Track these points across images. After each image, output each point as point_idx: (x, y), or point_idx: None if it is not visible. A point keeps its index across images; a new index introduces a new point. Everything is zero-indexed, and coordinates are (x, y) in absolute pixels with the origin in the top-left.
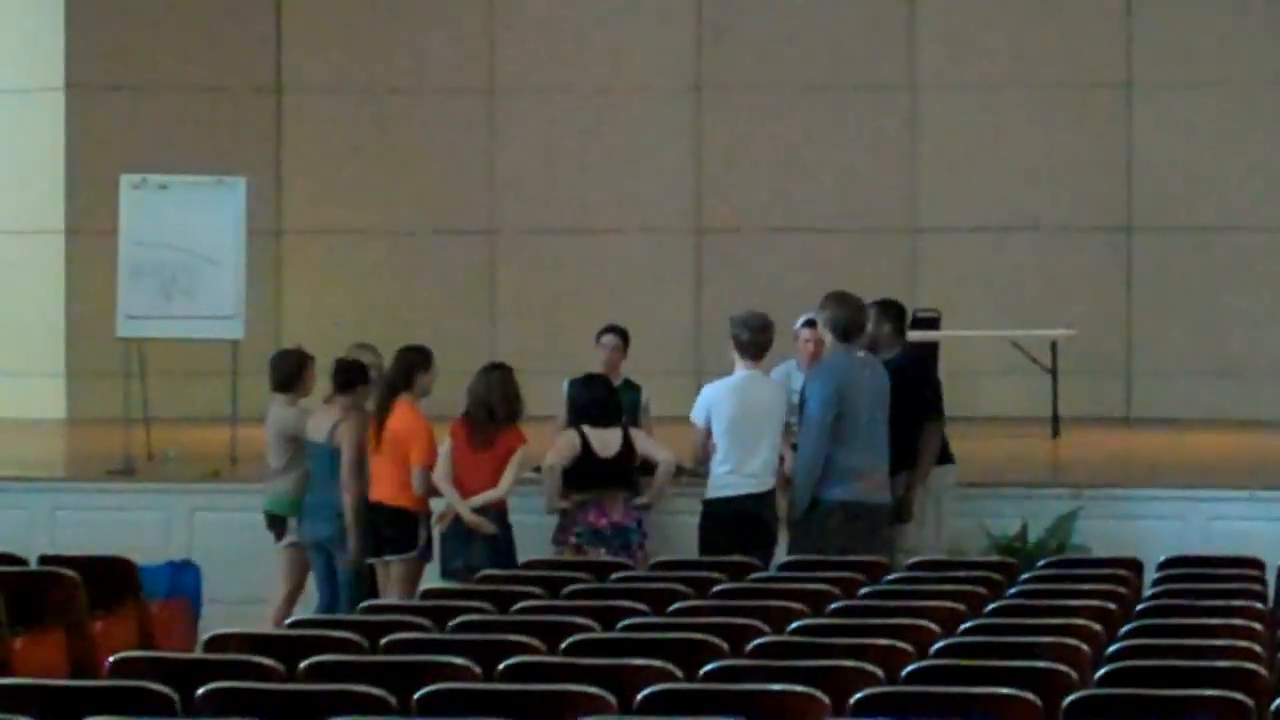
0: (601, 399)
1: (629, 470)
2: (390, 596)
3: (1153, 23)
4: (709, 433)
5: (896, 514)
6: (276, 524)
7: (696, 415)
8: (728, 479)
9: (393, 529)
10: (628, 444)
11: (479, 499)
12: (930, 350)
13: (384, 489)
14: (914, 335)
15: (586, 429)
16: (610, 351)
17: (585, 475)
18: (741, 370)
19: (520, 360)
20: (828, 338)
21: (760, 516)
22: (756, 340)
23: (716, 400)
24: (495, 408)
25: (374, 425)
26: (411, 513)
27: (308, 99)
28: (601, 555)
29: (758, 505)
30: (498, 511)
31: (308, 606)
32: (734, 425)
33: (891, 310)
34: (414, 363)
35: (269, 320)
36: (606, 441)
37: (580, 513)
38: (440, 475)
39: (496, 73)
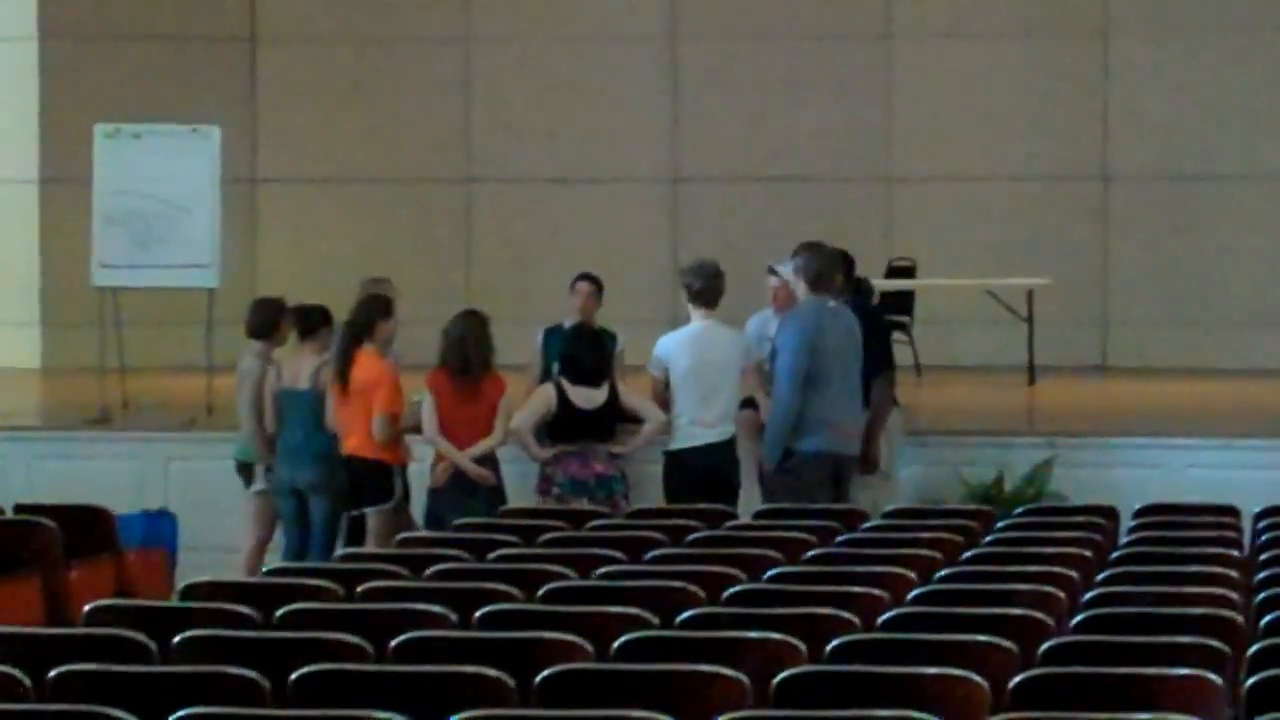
0: (587, 354)
1: (611, 423)
2: (370, 548)
3: None
4: (666, 384)
5: (862, 464)
6: (245, 471)
7: (653, 366)
8: (687, 429)
9: (368, 481)
10: (613, 397)
11: (478, 449)
12: (882, 301)
13: (355, 440)
14: (888, 284)
15: (565, 382)
16: (584, 299)
17: (566, 427)
18: (697, 320)
19: (496, 309)
20: (800, 287)
21: (720, 466)
22: (708, 287)
23: (672, 351)
24: (471, 356)
25: (337, 374)
26: (386, 464)
27: (283, 48)
28: (584, 505)
29: (717, 455)
30: (492, 463)
31: (276, 553)
32: (690, 375)
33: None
34: (375, 309)
35: (244, 269)
36: (589, 394)
37: (562, 464)
38: (430, 430)
39: (473, 21)
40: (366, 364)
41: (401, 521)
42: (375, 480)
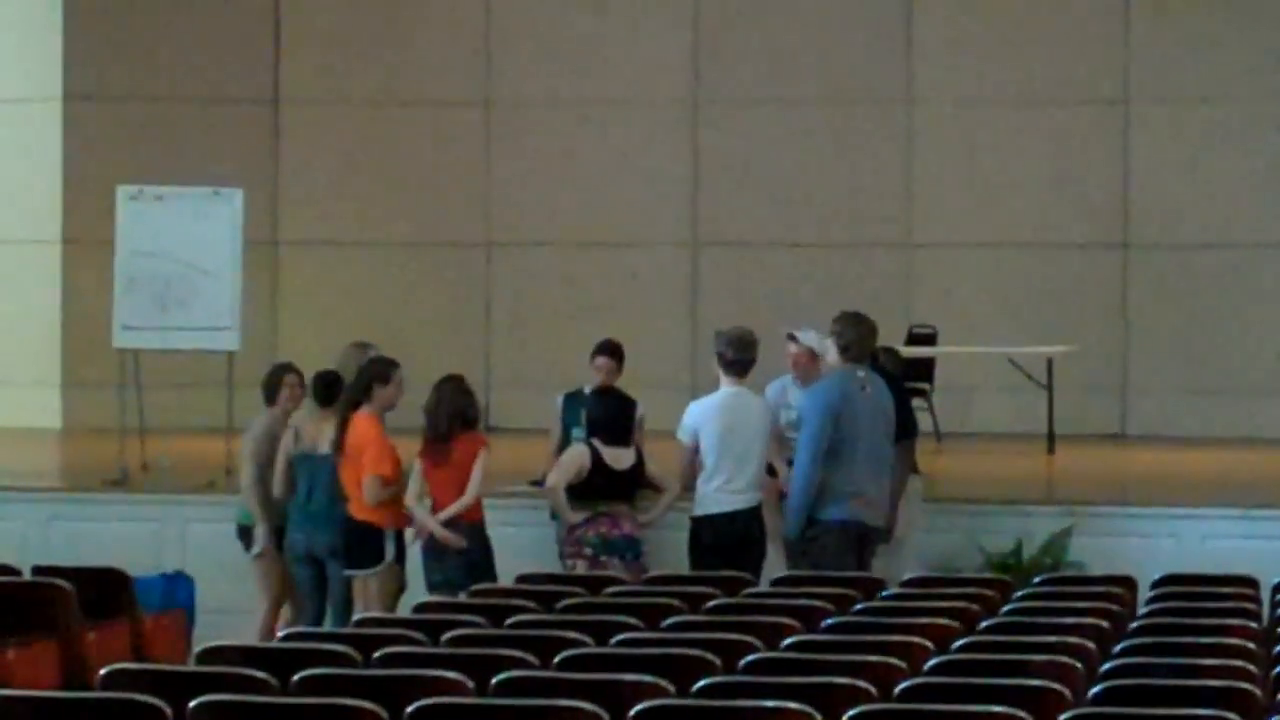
0: (617, 414)
1: (636, 485)
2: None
3: (1149, 39)
4: (696, 450)
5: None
6: (246, 536)
7: (683, 434)
8: (716, 496)
9: (357, 543)
10: (640, 459)
11: (447, 512)
12: (902, 369)
13: (353, 504)
14: (908, 351)
15: (598, 443)
16: (605, 375)
17: (598, 487)
18: (726, 387)
19: (516, 373)
20: (832, 356)
21: (749, 533)
22: (740, 358)
23: (703, 418)
24: (441, 421)
25: (335, 440)
26: (375, 527)
27: (305, 111)
28: (615, 566)
29: (745, 522)
30: (470, 524)
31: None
32: (721, 442)
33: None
34: (373, 375)
35: (264, 332)
36: (619, 454)
37: (592, 524)
38: (411, 495)
39: (493, 86)
40: (357, 427)
41: (393, 585)
42: (363, 542)
